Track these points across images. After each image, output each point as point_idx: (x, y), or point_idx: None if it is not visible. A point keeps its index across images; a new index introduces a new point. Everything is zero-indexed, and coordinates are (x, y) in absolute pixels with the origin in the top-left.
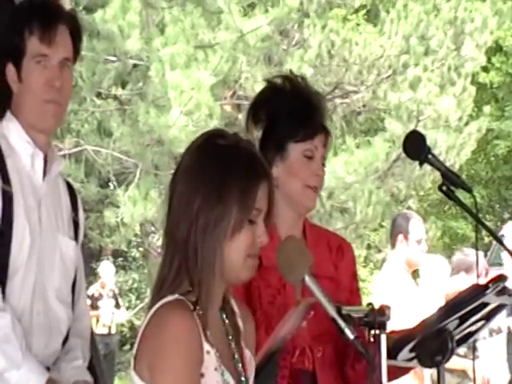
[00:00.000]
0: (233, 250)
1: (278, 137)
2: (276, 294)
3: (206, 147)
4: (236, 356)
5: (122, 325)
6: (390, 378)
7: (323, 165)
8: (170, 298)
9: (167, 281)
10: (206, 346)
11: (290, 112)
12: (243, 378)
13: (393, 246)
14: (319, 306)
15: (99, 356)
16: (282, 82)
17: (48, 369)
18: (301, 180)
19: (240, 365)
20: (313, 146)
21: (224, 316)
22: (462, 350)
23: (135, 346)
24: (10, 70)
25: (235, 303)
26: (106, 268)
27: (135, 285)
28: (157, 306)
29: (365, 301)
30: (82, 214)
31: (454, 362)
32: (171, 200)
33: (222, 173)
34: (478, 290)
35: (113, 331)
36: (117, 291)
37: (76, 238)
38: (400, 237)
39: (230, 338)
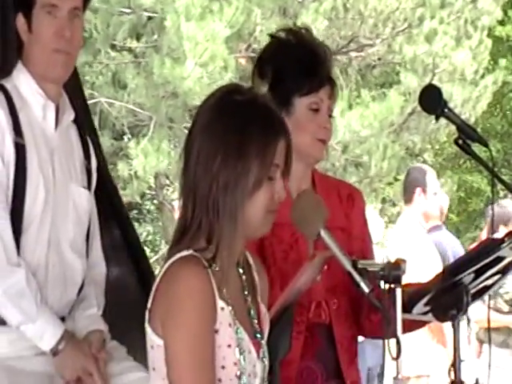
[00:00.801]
0: (253, 206)
1: (284, 91)
2: (289, 250)
3: (222, 104)
4: (252, 312)
5: None
6: (404, 331)
7: (330, 116)
8: (184, 252)
9: (186, 235)
10: (221, 303)
11: (295, 65)
12: (258, 335)
13: (408, 200)
14: (333, 259)
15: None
16: (287, 35)
17: (64, 319)
18: (309, 134)
19: (256, 321)
20: (318, 99)
21: (241, 271)
22: (505, 307)
23: (150, 299)
24: (20, 20)
25: (251, 258)
26: None
27: (149, 237)
28: (171, 260)
29: (379, 254)
30: (94, 162)
31: (498, 320)
32: (188, 156)
33: (240, 130)
34: (493, 244)
35: None
36: None
37: (89, 186)
38: (418, 190)
39: (247, 293)
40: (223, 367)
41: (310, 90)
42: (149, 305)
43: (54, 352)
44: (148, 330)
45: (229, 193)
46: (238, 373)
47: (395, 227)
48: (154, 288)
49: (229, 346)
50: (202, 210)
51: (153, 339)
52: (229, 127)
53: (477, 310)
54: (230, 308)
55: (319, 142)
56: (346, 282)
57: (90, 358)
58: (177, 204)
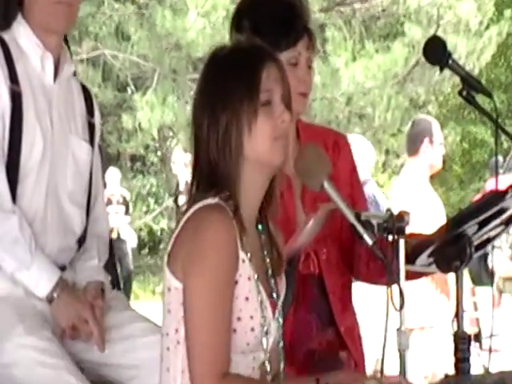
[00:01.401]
0: (256, 139)
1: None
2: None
3: (208, 64)
4: (269, 271)
5: (140, 229)
6: (407, 279)
7: (309, 67)
8: (210, 200)
9: (201, 183)
10: (242, 255)
11: (270, 21)
12: (275, 295)
13: (413, 150)
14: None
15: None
16: None
17: (64, 268)
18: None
19: (273, 280)
20: (296, 53)
21: (260, 228)
22: None
23: (170, 243)
24: None
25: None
26: (111, 175)
27: (153, 189)
28: (196, 206)
29: (384, 207)
30: (98, 117)
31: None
32: (193, 107)
33: (219, 79)
34: (497, 196)
35: (122, 236)
36: (128, 197)
37: (92, 140)
38: (426, 140)
39: (266, 253)
40: (239, 319)
41: (287, 45)
42: (169, 248)
43: (49, 299)
44: (167, 272)
45: (230, 137)
46: (253, 327)
47: (399, 178)
48: (175, 233)
49: (246, 298)
50: (224, 155)
51: (171, 282)
52: (211, 82)
53: (496, 260)
54: (251, 261)
55: (299, 96)
56: (335, 231)
57: (85, 305)
58: (175, 155)
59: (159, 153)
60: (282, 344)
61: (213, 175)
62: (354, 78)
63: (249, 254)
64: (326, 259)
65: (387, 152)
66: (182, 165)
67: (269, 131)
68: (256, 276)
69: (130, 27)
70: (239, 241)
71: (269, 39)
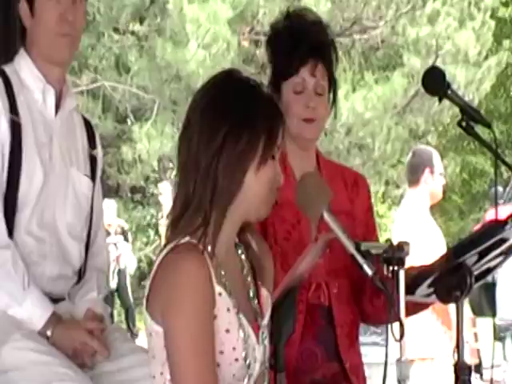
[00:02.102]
0: (257, 182)
1: (273, 78)
2: (291, 230)
3: (227, 82)
4: (251, 293)
5: (141, 260)
6: (408, 314)
7: (319, 94)
8: (181, 240)
9: (183, 216)
10: (218, 288)
11: (277, 50)
12: (258, 317)
13: (414, 181)
14: (335, 242)
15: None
16: (283, 20)
17: (62, 299)
18: (295, 115)
19: (256, 301)
20: (300, 79)
21: (239, 252)
22: None
23: (147, 286)
24: (23, 5)
25: (253, 238)
26: (107, 207)
27: (153, 220)
28: (168, 247)
29: (383, 237)
30: (100, 149)
31: None
32: (187, 137)
33: (245, 107)
34: (497, 226)
35: (121, 266)
36: (127, 227)
37: (93, 174)
38: (427, 170)
39: (245, 273)
40: (222, 352)
41: (289, 72)
42: (146, 292)
43: (43, 335)
44: (146, 317)
45: (232, 166)
46: (237, 357)
47: (400, 208)
48: (151, 275)
49: (227, 330)
50: (201, 190)
51: (152, 326)
52: (233, 105)
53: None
54: (228, 292)
55: (304, 122)
56: (348, 265)
57: (80, 331)
58: (161, 187)
59: (159, 184)
60: (267, 365)
61: (198, 208)
62: (353, 109)
63: (227, 284)
64: (337, 293)
65: (387, 183)
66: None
67: (269, 180)
68: (235, 305)
69: (130, 58)
70: (214, 275)
71: (276, 68)
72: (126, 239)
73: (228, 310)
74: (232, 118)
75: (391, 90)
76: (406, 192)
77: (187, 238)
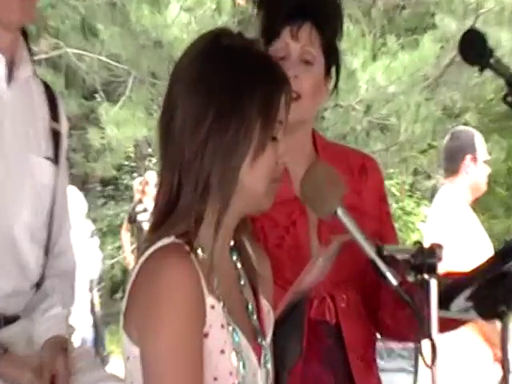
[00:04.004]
0: (256, 174)
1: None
2: (284, 235)
3: (212, 51)
4: (250, 306)
5: (113, 268)
6: (441, 331)
7: (306, 62)
8: (165, 240)
9: (168, 216)
10: (210, 300)
11: (262, 8)
12: (259, 335)
13: (453, 170)
14: (343, 247)
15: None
16: None
17: (17, 318)
18: None
19: (255, 317)
20: (282, 44)
21: (235, 257)
22: None
23: (125, 299)
24: None
25: (248, 240)
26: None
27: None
28: (149, 250)
29: (411, 239)
30: (65, 122)
31: None
32: (169, 122)
33: (237, 79)
34: None
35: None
36: (94, 228)
37: (57, 155)
38: (468, 157)
39: (243, 283)
40: (215, 379)
41: (270, 35)
42: (123, 307)
43: None
44: (123, 337)
45: (221, 161)
46: (236, 383)
47: (434, 204)
48: (129, 286)
49: (222, 351)
50: (188, 185)
51: (129, 348)
52: (221, 80)
53: None
54: (222, 304)
55: None
56: (358, 273)
57: (27, 373)
58: (137, 183)
59: (135, 174)
60: None
61: (186, 206)
62: (374, 82)
63: (220, 296)
64: (346, 307)
65: (416, 172)
66: (153, 192)
67: (270, 170)
68: (231, 321)
69: (99, 21)
70: (205, 283)
71: (260, 32)
72: (94, 243)
73: (222, 326)
74: (220, 98)
75: (420, 57)
76: (440, 184)
77: (172, 238)
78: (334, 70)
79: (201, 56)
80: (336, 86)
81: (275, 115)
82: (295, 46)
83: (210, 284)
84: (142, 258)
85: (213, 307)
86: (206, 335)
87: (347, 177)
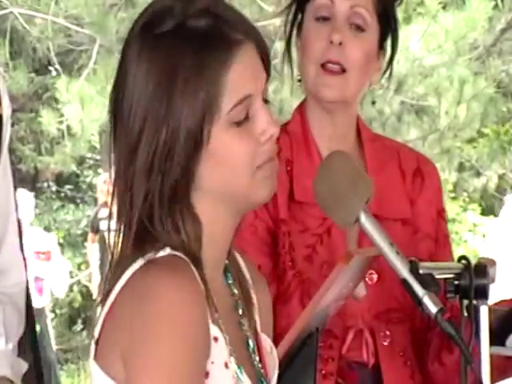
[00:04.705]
0: (219, 167)
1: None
2: (316, 245)
3: (143, 46)
4: (250, 343)
5: (71, 290)
6: (496, 374)
7: (357, 27)
8: (159, 253)
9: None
10: (214, 330)
11: None
12: (262, 379)
13: None
14: (388, 265)
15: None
16: None
17: None
18: (312, 58)
19: (257, 357)
20: (326, 0)
21: (230, 280)
22: None
23: (97, 325)
24: None
25: (242, 261)
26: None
27: (90, 227)
28: (136, 264)
29: (455, 253)
30: (6, 102)
31: None
32: (119, 89)
33: (168, 70)
34: None
35: (43, 302)
36: (52, 240)
37: None
38: None
39: (241, 312)
40: None
41: None
42: (96, 333)
43: None
44: (94, 371)
45: (171, 158)
46: None
47: (503, 213)
48: (103, 311)
49: None
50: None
51: (101, 381)
52: (151, 73)
53: None
54: (226, 337)
55: (323, 71)
56: (407, 303)
57: None
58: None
59: (101, 170)
60: None
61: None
62: (407, 51)
63: (223, 327)
64: (389, 346)
65: (461, 167)
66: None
67: (241, 156)
68: (236, 359)
69: None
70: (208, 309)
71: None
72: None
73: (226, 365)
74: (149, 100)
75: (467, 20)
76: (490, 181)
77: (168, 250)
78: (388, 42)
79: (135, 47)
80: (391, 62)
81: (216, 95)
82: (343, 4)
83: (211, 310)
84: (127, 274)
85: (216, 339)
86: (207, 375)
87: (398, 181)
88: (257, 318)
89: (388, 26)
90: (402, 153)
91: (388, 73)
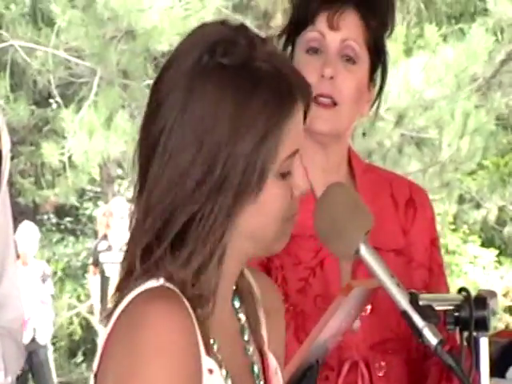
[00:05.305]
0: (261, 214)
1: (288, 33)
2: (309, 277)
3: (200, 73)
4: (256, 369)
5: (71, 323)
6: None
7: (348, 60)
8: (152, 283)
9: (148, 260)
10: (208, 362)
11: None
12: None
13: None
14: (380, 295)
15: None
16: None
17: None
18: None
19: (262, 382)
20: (316, 33)
21: (237, 305)
22: None
23: (96, 358)
24: None
25: (253, 278)
26: (24, 234)
27: (91, 259)
28: (129, 296)
29: (455, 285)
30: (6, 138)
31: None
32: (155, 129)
33: (233, 111)
34: None
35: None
36: (48, 271)
37: None
38: None
39: (246, 338)
40: None
41: (302, 21)
42: (95, 366)
43: None
44: None
45: (211, 198)
46: None
47: None
48: (103, 340)
49: None
50: (173, 225)
51: None
52: (211, 113)
53: None
54: (224, 371)
55: (315, 103)
56: (402, 333)
57: None
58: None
59: (101, 202)
60: None
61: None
62: (408, 84)
63: (221, 358)
64: (385, 377)
65: (461, 199)
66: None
67: (281, 208)
68: None
69: (55, 5)
70: (202, 341)
71: (290, 16)
72: (47, 289)
73: None
74: (207, 133)
75: (468, 52)
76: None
77: (161, 281)
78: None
79: (188, 75)
80: (380, 94)
81: (276, 149)
82: (334, 38)
83: (208, 342)
84: (121, 306)
85: (211, 372)
86: None
87: (390, 211)
88: (264, 334)
89: (378, 58)
90: (395, 182)
91: (387, 105)
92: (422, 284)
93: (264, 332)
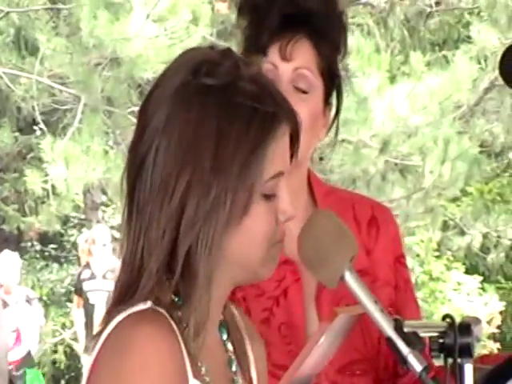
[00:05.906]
0: (245, 239)
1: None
2: (273, 307)
3: (185, 95)
4: None
5: (55, 351)
6: None
7: (300, 91)
8: (139, 306)
9: (135, 288)
10: None
11: (246, 19)
12: None
13: None
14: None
15: None
16: None
17: None
18: None
19: None
20: (269, 65)
21: (225, 337)
22: None
23: (83, 380)
24: None
25: (238, 313)
26: (5, 263)
27: (74, 289)
28: (117, 318)
29: (439, 312)
30: None
31: None
32: (138, 172)
33: (217, 131)
34: None
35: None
36: (32, 295)
37: None
38: None
39: (234, 369)
40: None
41: (254, 52)
42: None
43: None
44: None
45: (199, 226)
46: None
47: None
48: (90, 363)
49: None
50: (160, 251)
51: None
52: (202, 130)
53: None
54: None
55: None
56: (369, 355)
57: None
58: (81, 241)
59: (85, 229)
60: None
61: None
62: (392, 111)
63: (207, 379)
64: None
65: (445, 226)
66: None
67: (266, 231)
68: None
69: (38, 32)
70: (189, 364)
71: (243, 45)
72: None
73: None
74: (192, 162)
75: (452, 80)
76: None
77: (148, 304)
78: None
79: (173, 98)
80: (336, 116)
81: (260, 171)
82: (286, 68)
83: (195, 366)
84: (108, 329)
85: None
86: None
87: (354, 231)
88: (253, 372)
89: (332, 82)
90: (357, 203)
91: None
92: (388, 302)
93: (253, 368)
